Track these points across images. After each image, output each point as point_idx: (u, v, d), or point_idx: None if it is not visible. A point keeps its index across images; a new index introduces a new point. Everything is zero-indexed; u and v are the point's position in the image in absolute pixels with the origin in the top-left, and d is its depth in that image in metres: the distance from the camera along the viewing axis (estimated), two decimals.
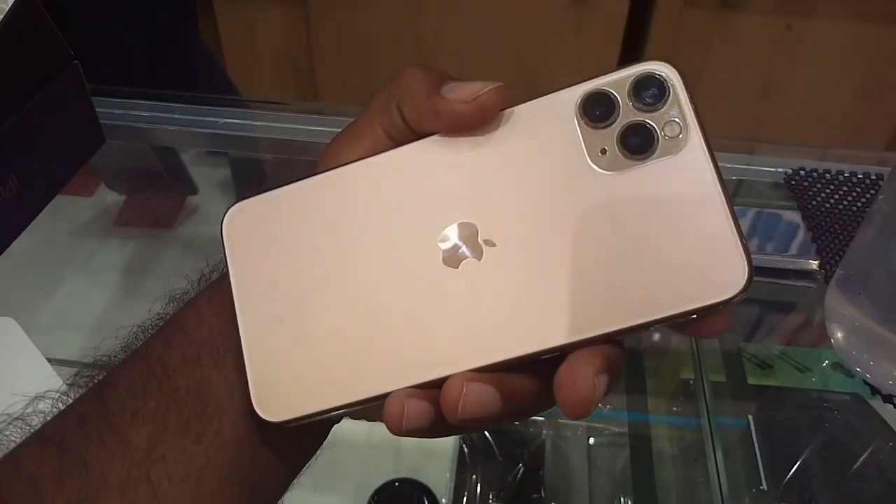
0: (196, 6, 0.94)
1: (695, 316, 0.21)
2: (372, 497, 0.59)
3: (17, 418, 0.27)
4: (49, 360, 0.47)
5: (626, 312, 0.22)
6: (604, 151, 0.23)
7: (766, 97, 1.37)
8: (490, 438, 0.62)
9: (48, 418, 0.26)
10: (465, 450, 0.63)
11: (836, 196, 0.59)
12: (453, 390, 0.22)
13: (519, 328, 0.23)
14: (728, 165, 0.63)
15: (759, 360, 0.52)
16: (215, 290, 0.27)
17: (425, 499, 0.60)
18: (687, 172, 0.22)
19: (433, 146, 0.25)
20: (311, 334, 0.25)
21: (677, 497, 0.51)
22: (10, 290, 0.60)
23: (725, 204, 0.21)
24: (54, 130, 0.47)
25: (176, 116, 0.66)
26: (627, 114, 0.23)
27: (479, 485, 0.61)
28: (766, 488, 0.43)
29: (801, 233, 0.56)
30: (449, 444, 0.62)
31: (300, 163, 0.69)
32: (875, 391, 0.46)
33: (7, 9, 0.42)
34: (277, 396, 0.25)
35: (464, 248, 0.24)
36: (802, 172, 0.61)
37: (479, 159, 0.24)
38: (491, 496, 0.61)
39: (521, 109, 0.24)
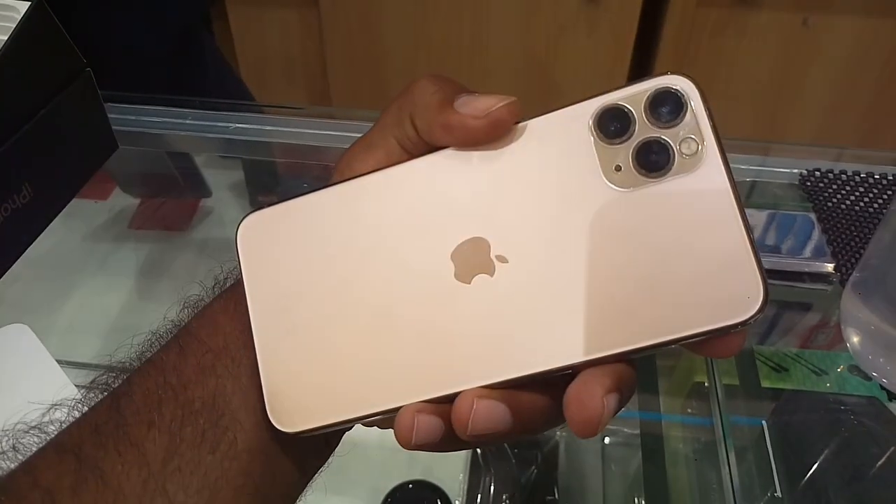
0: (210, 12, 0.94)
1: (708, 336, 0.21)
2: (385, 499, 0.59)
3: (34, 426, 0.27)
4: (65, 364, 0.48)
5: (639, 333, 0.21)
6: (619, 168, 0.22)
7: (781, 94, 1.36)
8: None
9: (64, 426, 0.26)
10: (479, 452, 0.63)
11: (852, 197, 0.58)
12: (464, 406, 0.22)
13: (530, 345, 0.22)
14: (742, 167, 0.62)
15: (774, 363, 0.51)
16: (230, 298, 0.28)
17: (439, 501, 0.60)
18: (703, 191, 0.21)
19: (446, 160, 0.24)
20: (325, 346, 0.25)
21: (690, 500, 0.51)
22: (26, 294, 0.61)
23: (742, 224, 0.21)
24: (67, 138, 0.48)
25: (188, 122, 0.67)
26: (643, 130, 0.22)
27: (492, 486, 0.61)
28: (780, 495, 0.43)
29: (817, 235, 0.56)
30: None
31: (312, 166, 0.69)
32: (892, 396, 0.46)
33: (19, 18, 0.42)
34: (291, 407, 0.25)
35: (476, 264, 0.23)
36: (818, 173, 0.60)
37: (492, 173, 0.24)
38: (504, 498, 0.61)
39: (535, 123, 0.24)
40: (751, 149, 0.63)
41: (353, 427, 0.26)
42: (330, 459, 0.29)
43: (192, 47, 0.89)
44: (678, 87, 0.22)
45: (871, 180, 0.59)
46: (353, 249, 0.25)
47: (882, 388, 0.46)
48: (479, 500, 0.60)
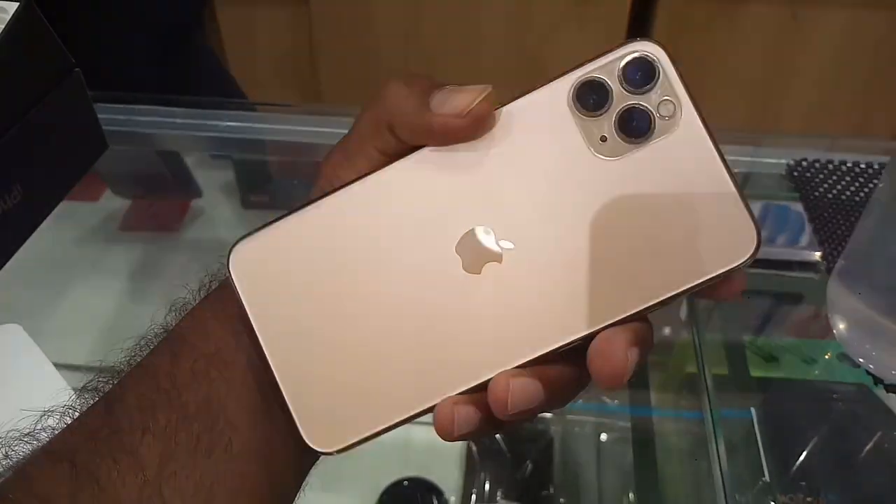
0: (202, 12, 0.94)
1: (713, 282, 0.22)
2: (381, 496, 0.59)
3: (27, 434, 0.27)
4: (57, 365, 0.48)
5: (650, 291, 0.23)
6: (604, 139, 0.23)
7: (772, 87, 1.36)
8: (498, 437, 0.62)
9: (56, 432, 0.26)
10: (474, 448, 0.63)
11: (839, 187, 0.59)
12: (500, 388, 0.23)
13: (550, 321, 0.23)
14: (732, 158, 0.62)
15: (764, 352, 0.52)
16: (218, 301, 0.28)
17: (434, 497, 0.61)
18: (687, 148, 0.22)
19: (433, 156, 0.25)
20: (349, 362, 0.25)
21: (682, 491, 0.51)
22: (17, 296, 0.61)
23: (728, 174, 0.22)
24: (57, 138, 0.48)
25: (178, 121, 0.67)
26: (621, 98, 0.23)
27: (487, 483, 0.61)
28: (768, 479, 0.43)
29: (805, 224, 0.56)
30: (458, 444, 0.62)
31: (303, 164, 0.69)
32: (878, 381, 0.46)
33: (8, 18, 0.43)
34: (328, 428, 0.25)
35: (483, 253, 0.24)
36: (805, 163, 0.61)
37: (481, 163, 0.24)
38: (500, 494, 0.61)
39: (515, 107, 0.24)
40: (739, 140, 0.64)
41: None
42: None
43: (184, 47, 0.89)
44: (649, 53, 0.23)
45: (857, 169, 0.60)
46: (356, 261, 0.25)
47: (868, 373, 0.46)
48: (474, 497, 0.60)
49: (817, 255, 0.54)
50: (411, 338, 0.24)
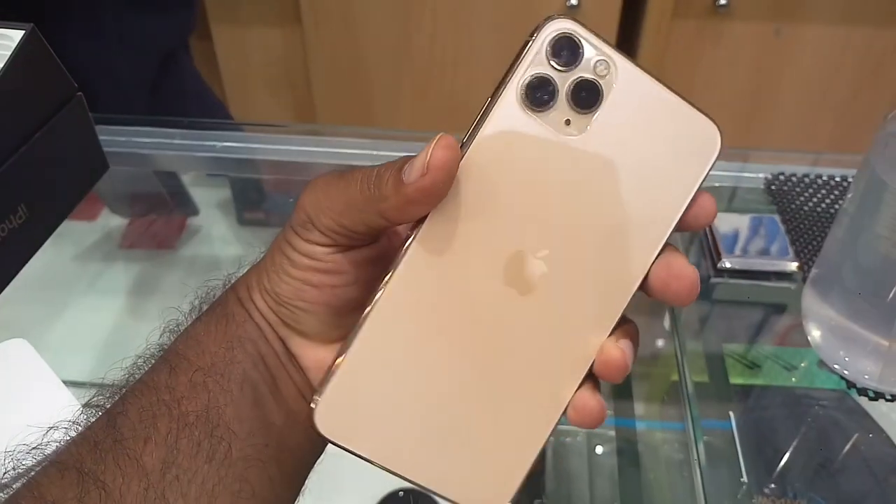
0: (188, 37, 0.96)
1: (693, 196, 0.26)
2: None
3: (34, 447, 0.28)
4: None
5: (668, 214, 0.26)
6: (568, 122, 0.25)
7: (756, 102, 1.38)
8: None
9: (62, 445, 0.27)
10: None
11: (815, 199, 0.60)
12: (615, 351, 0.26)
13: (611, 285, 0.26)
14: (714, 172, 0.64)
15: (746, 360, 0.53)
16: (210, 320, 0.29)
17: None
18: (632, 90, 0.25)
19: (442, 220, 0.25)
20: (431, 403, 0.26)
21: (667, 496, 0.52)
22: (17, 314, 0.61)
23: (672, 92, 0.25)
24: (60, 159, 0.49)
25: (176, 142, 0.68)
26: (563, 80, 0.25)
27: None
28: (745, 480, 0.44)
29: (781, 235, 0.58)
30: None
31: (298, 182, 0.70)
32: (851, 385, 0.48)
33: (14, 46, 0.44)
34: (347, 421, 0.26)
35: (528, 273, 0.26)
36: (782, 177, 0.63)
37: (489, 202, 0.25)
38: None
39: (482, 138, 0.25)
40: (722, 155, 0.66)
41: None
42: (325, 462, 0.31)
43: (171, 72, 0.90)
44: (563, 30, 0.24)
45: (832, 182, 0.62)
46: (438, 340, 0.26)
47: (842, 378, 0.48)
48: None
49: (794, 265, 0.56)
50: (525, 372, 0.27)
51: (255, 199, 0.79)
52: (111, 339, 0.65)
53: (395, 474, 0.26)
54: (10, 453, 0.27)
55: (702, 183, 0.26)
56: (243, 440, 0.26)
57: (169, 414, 0.26)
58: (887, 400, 0.47)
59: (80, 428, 0.27)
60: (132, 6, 0.81)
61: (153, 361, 0.28)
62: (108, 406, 0.27)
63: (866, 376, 0.45)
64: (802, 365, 0.51)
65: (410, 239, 0.25)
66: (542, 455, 0.27)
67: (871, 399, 0.47)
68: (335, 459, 0.30)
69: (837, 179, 0.62)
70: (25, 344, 0.48)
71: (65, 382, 0.48)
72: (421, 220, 0.25)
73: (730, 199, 0.64)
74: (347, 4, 1.29)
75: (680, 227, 0.26)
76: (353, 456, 0.26)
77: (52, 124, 0.47)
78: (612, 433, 0.60)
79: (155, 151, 0.68)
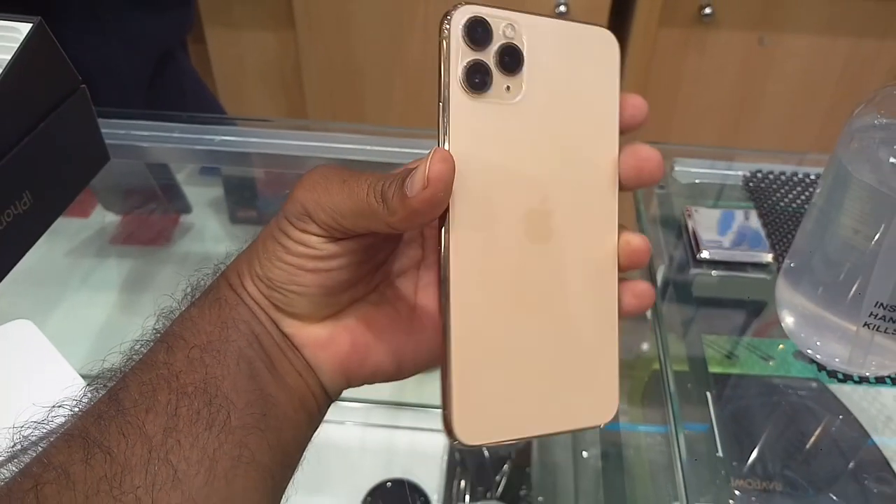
0: (187, 35, 0.97)
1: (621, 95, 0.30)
2: (366, 498, 0.61)
3: (40, 423, 0.29)
4: None
5: (611, 125, 0.29)
6: (508, 88, 0.28)
7: (742, 109, 1.40)
8: None
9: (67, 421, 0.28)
10: (456, 451, 0.65)
11: (790, 196, 0.63)
12: (637, 239, 0.30)
13: (604, 199, 0.30)
14: (693, 170, 0.67)
15: (726, 350, 0.54)
16: (204, 303, 0.30)
17: (418, 498, 0.63)
18: (538, 35, 0.28)
19: (463, 212, 0.27)
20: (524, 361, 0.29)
21: (645, 486, 0.54)
22: (10, 309, 0.62)
23: (563, 20, 0.28)
24: (64, 149, 0.51)
25: (175, 135, 0.69)
26: (488, 56, 0.27)
27: (468, 483, 0.63)
28: (721, 455, 0.46)
29: (758, 229, 0.60)
30: (439, 446, 0.65)
31: (294, 177, 0.71)
32: (822, 368, 0.50)
33: (21, 38, 0.46)
34: (484, 421, 0.28)
35: (544, 222, 0.28)
36: (759, 174, 0.65)
37: (487, 182, 0.27)
38: (479, 493, 0.63)
39: (456, 138, 0.27)
40: (701, 154, 0.69)
41: None
42: (315, 455, 0.32)
43: (168, 70, 0.91)
44: (470, 14, 0.27)
45: (807, 180, 0.64)
46: (509, 306, 0.28)
47: (814, 362, 0.50)
48: (455, 497, 0.63)
49: (769, 256, 0.58)
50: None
51: (247, 197, 0.80)
52: (104, 335, 0.66)
53: (530, 439, 0.29)
54: (18, 429, 0.29)
55: (620, 77, 0.29)
56: (241, 409, 0.28)
57: (168, 386, 0.27)
58: (855, 381, 0.50)
59: (84, 404, 0.28)
60: (131, 4, 0.83)
61: (151, 344, 0.30)
62: (110, 385, 0.28)
63: (837, 359, 0.47)
64: (783, 354, 0.53)
65: (444, 240, 0.27)
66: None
67: (840, 381, 0.50)
68: (323, 453, 0.32)
69: (812, 177, 0.64)
70: (30, 324, 0.49)
71: None
72: (442, 223, 0.27)
73: (710, 194, 0.66)
74: (341, 8, 1.30)
75: (624, 129, 0.30)
76: (495, 445, 0.28)
77: (57, 114, 0.48)
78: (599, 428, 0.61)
79: (154, 144, 0.68)
